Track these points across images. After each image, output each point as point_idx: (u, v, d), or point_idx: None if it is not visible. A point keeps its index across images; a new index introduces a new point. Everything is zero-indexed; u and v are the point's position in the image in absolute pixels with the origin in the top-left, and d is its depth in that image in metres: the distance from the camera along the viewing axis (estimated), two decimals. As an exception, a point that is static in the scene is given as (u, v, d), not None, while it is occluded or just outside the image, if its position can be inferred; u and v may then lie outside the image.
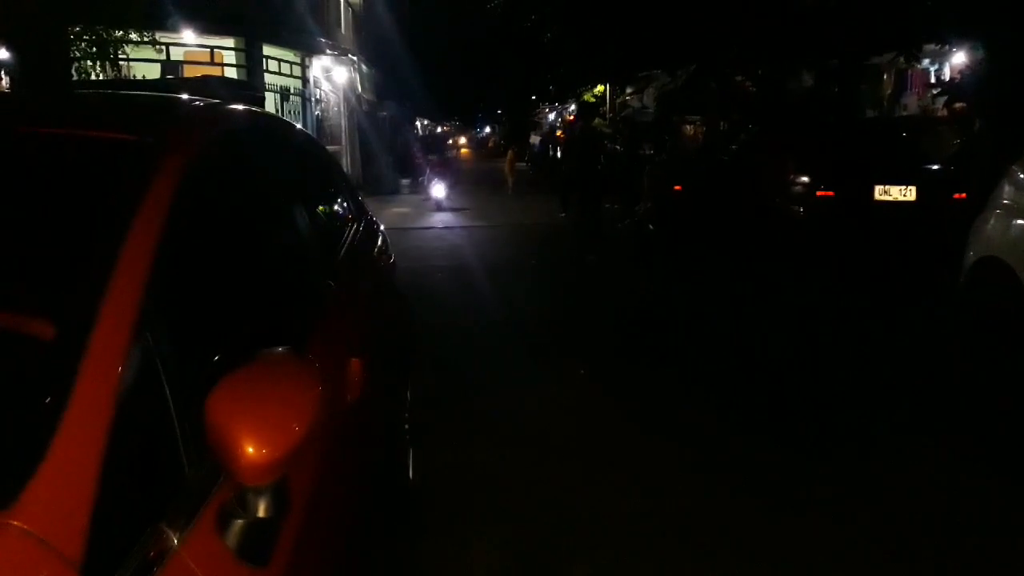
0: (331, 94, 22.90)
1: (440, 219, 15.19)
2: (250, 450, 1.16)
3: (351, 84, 23.38)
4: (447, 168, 17.42)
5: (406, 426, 3.39)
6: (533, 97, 36.14)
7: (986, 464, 3.75)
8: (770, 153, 8.42)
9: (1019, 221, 5.54)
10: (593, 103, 21.78)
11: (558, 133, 25.65)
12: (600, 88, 24.99)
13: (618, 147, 15.53)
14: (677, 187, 9.94)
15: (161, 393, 1.24)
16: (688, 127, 16.72)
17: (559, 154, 20.93)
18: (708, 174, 9.50)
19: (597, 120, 16.27)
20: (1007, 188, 5.77)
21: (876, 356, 5.68)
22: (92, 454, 1.04)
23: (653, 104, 20.38)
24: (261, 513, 1.27)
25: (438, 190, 16.48)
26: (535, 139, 27.97)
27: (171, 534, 1.14)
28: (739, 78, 13.67)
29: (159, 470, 1.22)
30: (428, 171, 16.88)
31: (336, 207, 3.29)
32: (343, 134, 21.91)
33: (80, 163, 1.56)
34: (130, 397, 1.13)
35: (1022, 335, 5.31)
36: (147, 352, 1.22)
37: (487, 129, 66.80)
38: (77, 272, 1.26)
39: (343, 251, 2.87)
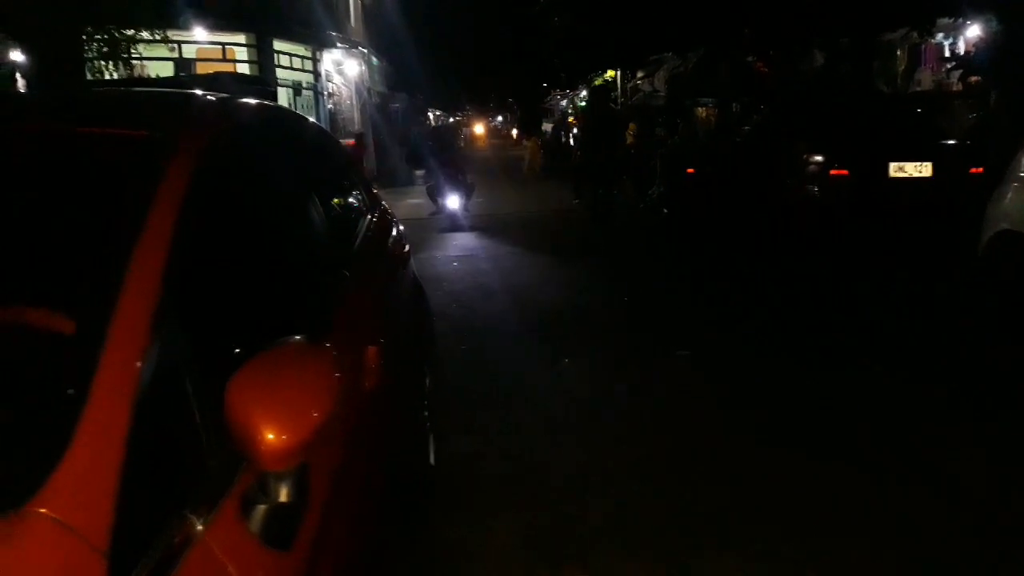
0: (343, 87, 22.96)
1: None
2: (270, 436, 1.18)
3: (362, 77, 23.42)
4: (460, 170, 12.39)
5: (426, 412, 3.43)
6: (544, 84, 36.01)
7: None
8: (783, 133, 8.37)
9: (1036, 194, 5.51)
10: (605, 87, 21.66)
11: (570, 119, 25.52)
12: (611, 73, 24.86)
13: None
14: (690, 170, 9.90)
15: (182, 383, 1.27)
16: (700, 110, 16.61)
17: (571, 141, 20.93)
18: (721, 156, 9.45)
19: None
20: (1023, 161, 5.74)
21: (892, 329, 5.65)
22: (115, 444, 1.06)
23: (664, 88, 20.25)
24: (283, 498, 1.29)
25: (452, 201, 11.97)
26: (547, 126, 27.87)
27: (195, 520, 1.16)
28: (751, 59, 13.57)
29: (182, 458, 1.24)
30: (439, 176, 12.22)
31: (350, 199, 3.32)
32: (356, 127, 21.96)
33: (95, 160, 1.59)
34: (151, 388, 1.16)
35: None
36: (167, 343, 1.24)
37: (499, 118, 66.59)
38: (95, 267, 1.29)
39: (358, 242, 2.89)
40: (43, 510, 0.96)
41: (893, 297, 6.45)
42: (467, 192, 12.21)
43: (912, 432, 3.87)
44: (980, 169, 7.36)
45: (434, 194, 12.35)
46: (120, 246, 1.29)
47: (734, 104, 12.97)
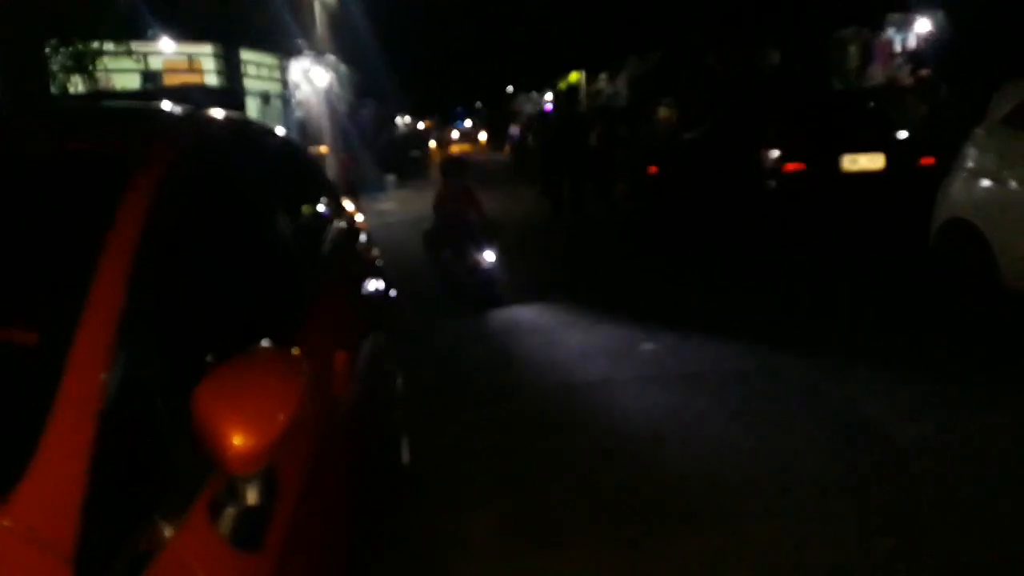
0: (312, 96, 22.95)
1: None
2: (236, 440, 1.21)
3: (330, 85, 23.41)
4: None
5: (399, 412, 3.54)
6: (510, 89, 36.19)
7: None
8: (740, 130, 8.60)
9: (983, 183, 5.76)
10: (571, 90, 21.89)
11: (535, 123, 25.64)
12: (575, 76, 25.11)
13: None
14: (653, 168, 10.10)
15: (150, 391, 1.31)
16: (661, 109, 16.86)
17: (537, 142, 21.12)
18: (682, 154, 9.66)
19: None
20: (971, 151, 5.98)
21: (847, 311, 5.96)
22: (80, 453, 1.09)
23: (626, 89, 20.52)
24: (251, 501, 1.32)
25: (486, 259, 6.99)
26: (514, 129, 28.05)
27: (164, 525, 1.20)
28: (709, 60, 13.83)
29: (150, 464, 1.26)
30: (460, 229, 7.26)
31: (318, 206, 3.39)
32: (326, 135, 21.97)
33: (61, 173, 1.62)
34: (118, 397, 1.20)
35: (987, 289, 5.54)
36: (134, 352, 1.28)
37: (467, 123, 66.63)
38: (60, 279, 1.33)
39: (326, 248, 2.95)
40: (6, 522, 1.00)
41: (845, 283, 6.76)
42: (490, 239, 7.07)
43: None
44: (931, 160, 7.61)
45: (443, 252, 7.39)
46: (85, 258, 1.33)
47: (693, 103, 13.23)
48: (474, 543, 3.14)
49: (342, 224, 3.45)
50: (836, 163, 7.66)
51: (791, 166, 7.62)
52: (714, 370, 4.89)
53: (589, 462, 3.75)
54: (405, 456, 3.58)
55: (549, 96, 27.18)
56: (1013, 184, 5.46)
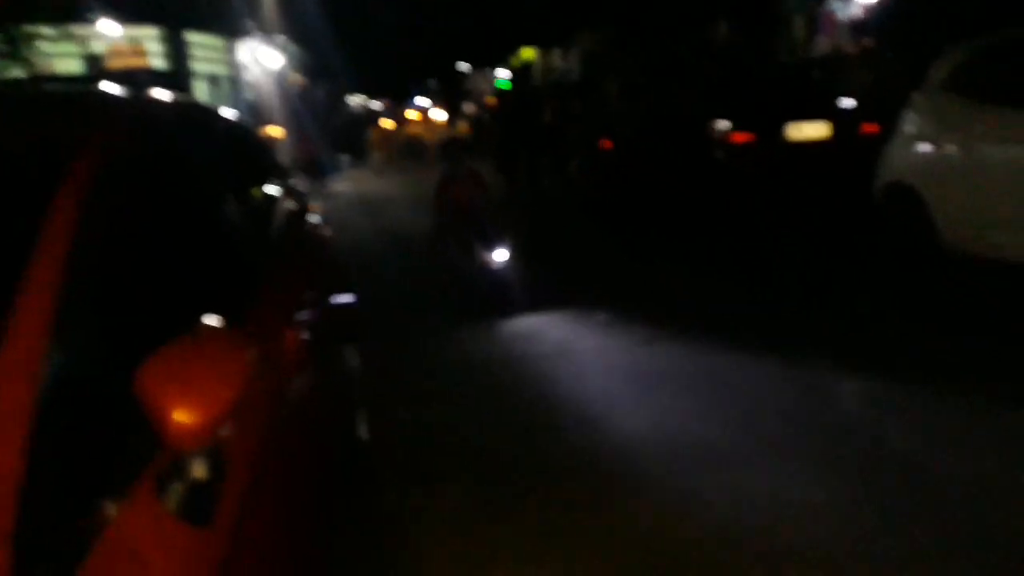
0: (262, 77, 22.57)
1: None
2: (179, 416, 1.23)
3: (281, 65, 23.05)
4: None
5: (356, 388, 3.58)
6: (463, 66, 35.95)
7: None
8: (690, 102, 8.71)
9: (922, 147, 5.92)
10: (525, 67, 21.85)
11: (488, 100, 25.54)
12: (528, 53, 25.05)
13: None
14: (606, 143, 10.18)
15: (92, 374, 1.34)
16: (614, 85, 16.90)
17: (492, 119, 21.07)
18: (635, 128, 9.75)
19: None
20: (910, 116, 6.15)
21: (795, 272, 6.23)
22: (18, 434, 1.11)
23: (579, 65, 20.54)
24: (198, 475, 1.35)
25: (497, 258, 6.04)
26: (470, 108, 27.91)
27: (108, 503, 1.21)
28: (659, 35, 13.91)
29: (93, 444, 1.28)
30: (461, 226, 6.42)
31: (267, 188, 3.37)
32: (278, 116, 21.66)
33: None
34: (59, 379, 1.22)
35: (927, 250, 5.73)
36: (74, 336, 1.30)
37: (421, 101, 65.99)
38: None
39: (276, 230, 2.96)
40: None
41: (795, 247, 7.02)
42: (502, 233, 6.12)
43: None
44: (875, 127, 7.79)
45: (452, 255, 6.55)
46: (21, 246, 1.33)
47: (644, 77, 13.30)
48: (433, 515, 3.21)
49: (292, 206, 3.45)
50: (783, 132, 7.82)
51: (739, 136, 7.76)
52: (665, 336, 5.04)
53: (530, 418, 3.94)
54: (363, 432, 3.62)
55: (503, 73, 27.07)
56: (949, 148, 5.63)
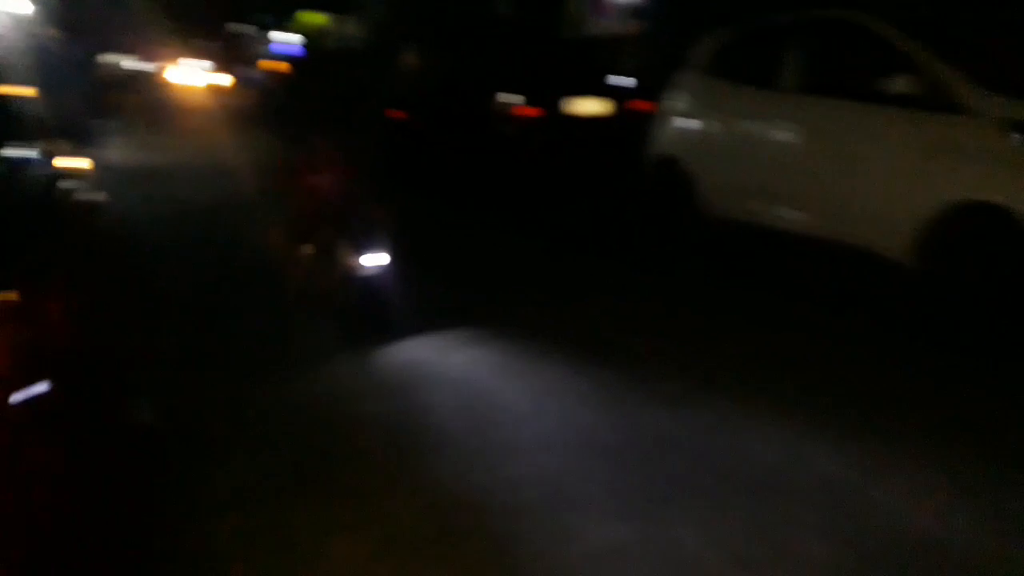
0: (4, 29, 19.98)
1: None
2: None
3: (31, 13, 20.51)
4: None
5: (138, 371, 3.32)
6: (244, 28, 33.98)
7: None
8: (476, 77, 8.87)
9: (686, 124, 6.50)
10: (318, 31, 21.05)
11: (269, 65, 24.11)
12: (319, 18, 24.17)
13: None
14: (399, 114, 10.12)
15: None
16: (406, 54, 16.76)
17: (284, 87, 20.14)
18: (426, 100, 9.77)
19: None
20: (675, 95, 6.71)
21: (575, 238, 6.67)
22: None
23: (368, 32, 20.15)
24: None
25: (371, 262, 4.50)
26: (254, 72, 26.39)
27: None
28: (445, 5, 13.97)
29: None
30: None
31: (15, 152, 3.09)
32: (27, 73, 19.31)
33: None
34: None
35: (691, 217, 6.29)
36: None
37: (201, 62, 61.51)
38: None
39: (27, 196, 2.74)
40: None
41: (573, 218, 7.56)
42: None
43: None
44: (647, 104, 8.37)
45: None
46: None
47: (433, 49, 13.31)
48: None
49: (47, 170, 3.16)
50: (563, 107, 8.19)
51: (523, 111, 8.03)
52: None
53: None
54: (148, 417, 3.39)
55: (291, 37, 25.87)
56: (709, 124, 6.25)
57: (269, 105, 20.69)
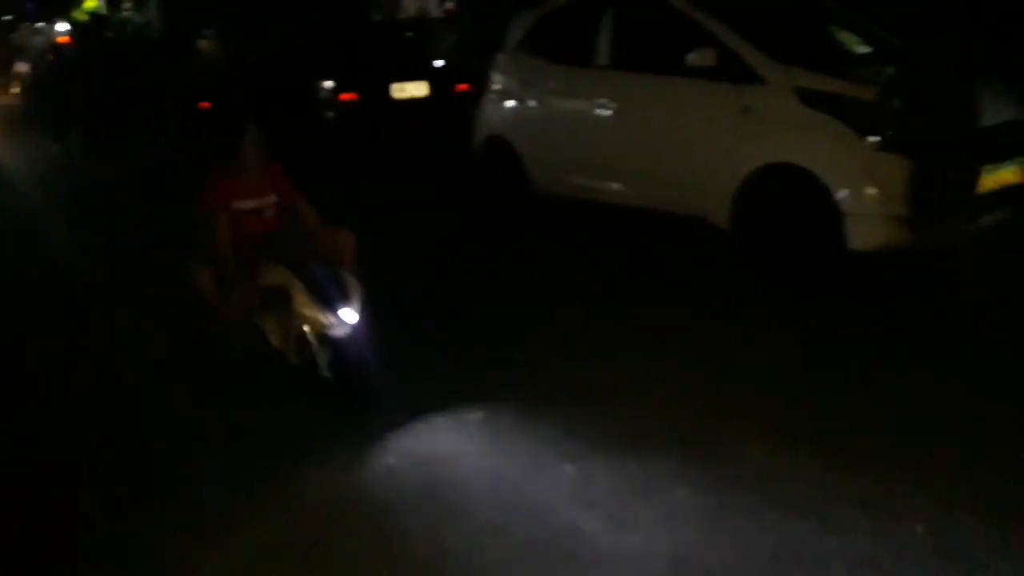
0: None
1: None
2: None
3: None
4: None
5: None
6: (8, 17, 30.65)
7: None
8: (294, 62, 8.60)
9: (508, 103, 6.63)
10: (96, 18, 19.33)
11: (51, 58, 22.10)
12: (92, 3, 22.22)
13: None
14: (204, 104, 9.60)
15: None
16: (203, 41, 15.83)
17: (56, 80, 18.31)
18: (239, 90, 9.33)
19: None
20: (496, 75, 6.81)
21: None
22: None
23: (159, 20, 18.83)
24: None
25: (342, 320, 3.33)
26: (22, 67, 23.87)
27: None
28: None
29: None
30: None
31: None
32: None
33: None
34: None
35: (519, 194, 6.45)
36: None
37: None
38: None
39: None
40: None
41: (404, 200, 7.46)
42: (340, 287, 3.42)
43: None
44: (466, 86, 8.47)
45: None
46: None
47: (239, 35, 12.70)
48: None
49: None
50: (386, 91, 8.13)
51: (345, 96, 7.89)
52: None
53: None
54: None
55: (61, 27, 23.59)
56: (530, 103, 6.41)
57: (34, 98, 18.31)
